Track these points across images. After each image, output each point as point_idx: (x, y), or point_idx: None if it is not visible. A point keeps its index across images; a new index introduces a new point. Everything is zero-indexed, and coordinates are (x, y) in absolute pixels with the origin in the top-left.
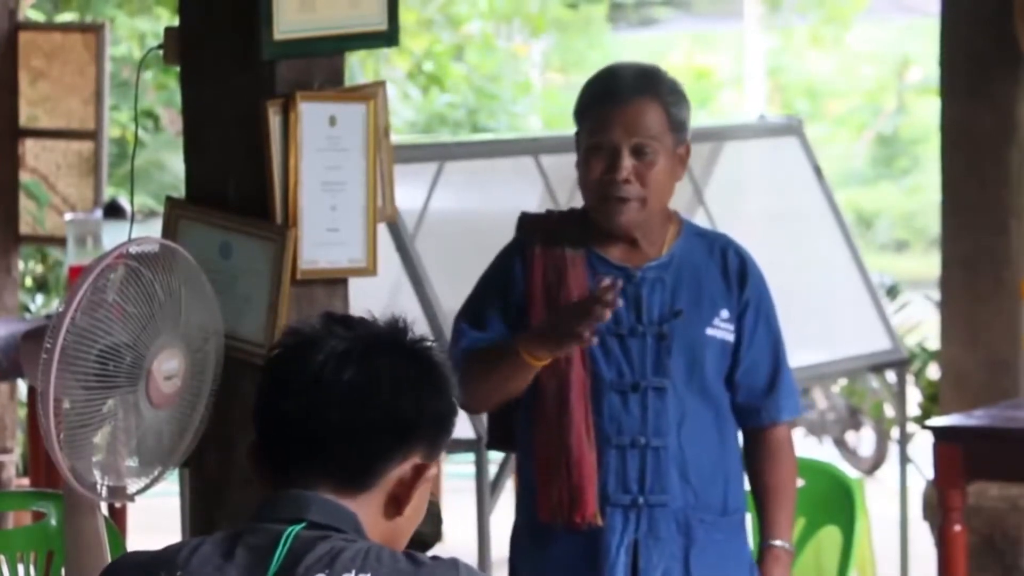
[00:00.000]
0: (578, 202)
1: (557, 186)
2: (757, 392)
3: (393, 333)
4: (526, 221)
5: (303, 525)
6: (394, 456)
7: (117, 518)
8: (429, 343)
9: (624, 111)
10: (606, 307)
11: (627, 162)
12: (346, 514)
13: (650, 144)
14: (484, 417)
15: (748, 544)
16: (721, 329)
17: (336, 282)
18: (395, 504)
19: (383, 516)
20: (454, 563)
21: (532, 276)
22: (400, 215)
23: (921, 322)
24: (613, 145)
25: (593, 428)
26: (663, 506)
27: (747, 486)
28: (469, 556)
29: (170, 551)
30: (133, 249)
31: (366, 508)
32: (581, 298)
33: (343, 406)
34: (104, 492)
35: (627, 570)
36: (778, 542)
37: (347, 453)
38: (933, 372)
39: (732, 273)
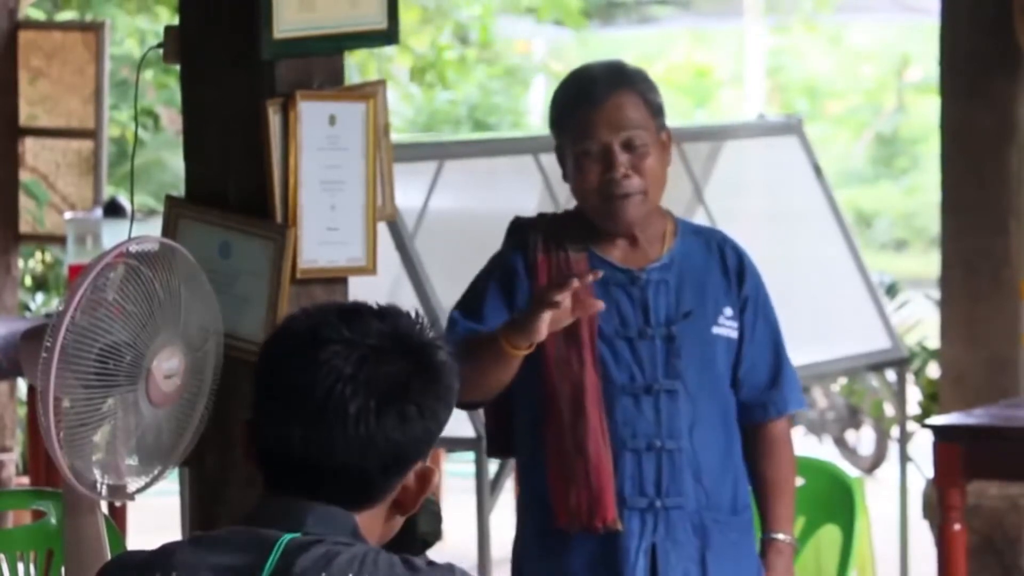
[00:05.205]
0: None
1: (557, 185)
2: (761, 387)
3: (400, 341)
4: (520, 225)
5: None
6: (400, 475)
7: (117, 517)
8: (436, 346)
9: (605, 109)
10: (574, 281)
11: (622, 158)
12: (343, 519)
13: (638, 135)
14: (484, 417)
15: (755, 541)
16: (726, 327)
17: (336, 281)
18: (398, 508)
19: (385, 522)
20: (450, 568)
21: (537, 280)
22: (400, 214)
23: (921, 321)
24: (603, 145)
25: (607, 432)
26: (679, 508)
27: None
28: (469, 556)
29: (165, 551)
30: (133, 248)
31: (368, 518)
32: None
33: (349, 443)
34: (104, 491)
35: (646, 573)
36: (780, 535)
37: (351, 484)
38: (933, 371)
39: (731, 270)
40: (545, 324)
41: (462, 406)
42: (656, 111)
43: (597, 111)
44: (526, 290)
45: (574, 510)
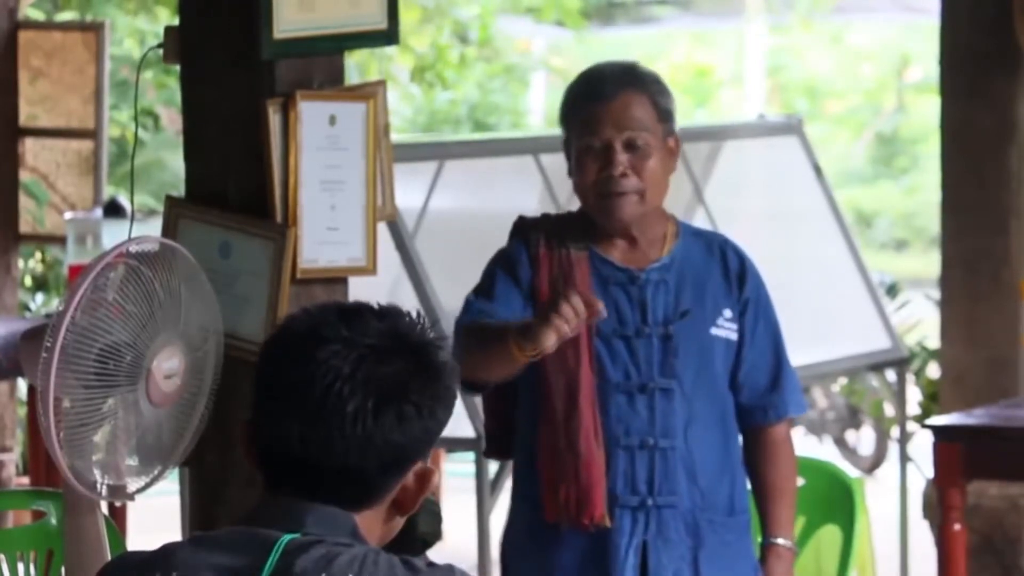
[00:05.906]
0: (577, 202)
1: (557, 185)
2: (761, 390)
3: (399, 341)
4: (524, 224)
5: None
6: (400, 476)
7: (117, 517)
8: (436, 346)
9: (612, 107)
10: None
11: (621, 157)
12: (343, 519)
13: (641, 136)
14: (483, 417)
15: (753, 544)
16: (725, 329)
17: (336, 281)
18: (398, 508)
19: (384, 522)
20: (450, 569)
21: (539, 276)
22: (400, 214)
23: (921, 321)
24: (605, 142)
25: (600, 429)
26: (672, 507)
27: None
28: (469, 556)
29: (165, 551)
30: (133, 248)
31: (368, 518)
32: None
33: (348, 442)
34: (104, 491)
35: (636, 571)
36: (780, 540)
37: (350, 484)
38: (933, 371)
39: (732, 272)
40: (552, 338)
41: (464, 386)
42: (664, 116)
43: (604, 108)
44: (528, 278)
45: (563, 506)
